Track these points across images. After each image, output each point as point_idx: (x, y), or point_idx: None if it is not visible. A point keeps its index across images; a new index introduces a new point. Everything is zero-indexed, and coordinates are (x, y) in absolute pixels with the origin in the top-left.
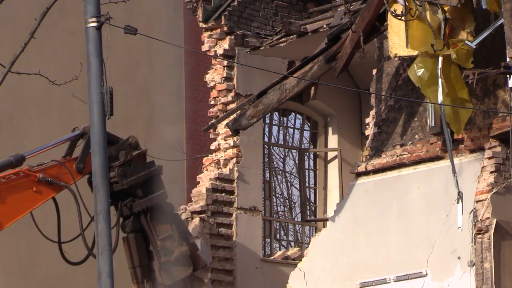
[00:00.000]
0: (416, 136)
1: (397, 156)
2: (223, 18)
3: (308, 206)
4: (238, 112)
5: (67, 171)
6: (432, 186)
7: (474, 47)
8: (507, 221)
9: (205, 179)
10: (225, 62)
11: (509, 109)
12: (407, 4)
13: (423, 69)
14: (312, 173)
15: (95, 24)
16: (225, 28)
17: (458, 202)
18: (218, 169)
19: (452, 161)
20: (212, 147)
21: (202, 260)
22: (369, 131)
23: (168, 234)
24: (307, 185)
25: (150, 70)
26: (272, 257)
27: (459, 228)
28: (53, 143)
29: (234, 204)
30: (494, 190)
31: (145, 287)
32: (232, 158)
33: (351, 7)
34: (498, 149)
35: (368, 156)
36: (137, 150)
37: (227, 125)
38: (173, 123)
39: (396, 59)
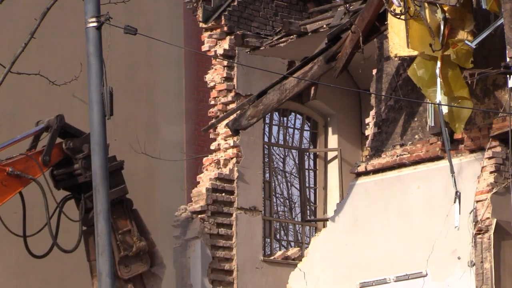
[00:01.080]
0: (416, 136)
1: (397, 156)
2: (223, 18)
3: (308, 206)
4: (238, 112)
5: (33, 164)
6: (432, 186)
7: (474, 47)
8: (507, 221)
9: (205, 179)
10: (225, 62)
11: (509, 109)
12: (405, 3)
13: (423, 69)
14: (312, 173)
15: (95, 24)
16: (225, 28)
17: (455, 202)
18: (218, 169)
19: (450, 161)
20: (212, 147)
21: (159, 256)
22: (369, 131)
23: (128, 228)
24: (307, 185)
25: (150, 70)
26: (272, 257)
27: (455, 227)
28: (19, 137)
29: (234, 204)
30: (494, 190)
31: None
32: (232, 158)
33: (351, 7)
34: (498, 149)
35: (368, 156)
36: None
37: (227, 125)
38: (173, 123)
39: (396, 59)
